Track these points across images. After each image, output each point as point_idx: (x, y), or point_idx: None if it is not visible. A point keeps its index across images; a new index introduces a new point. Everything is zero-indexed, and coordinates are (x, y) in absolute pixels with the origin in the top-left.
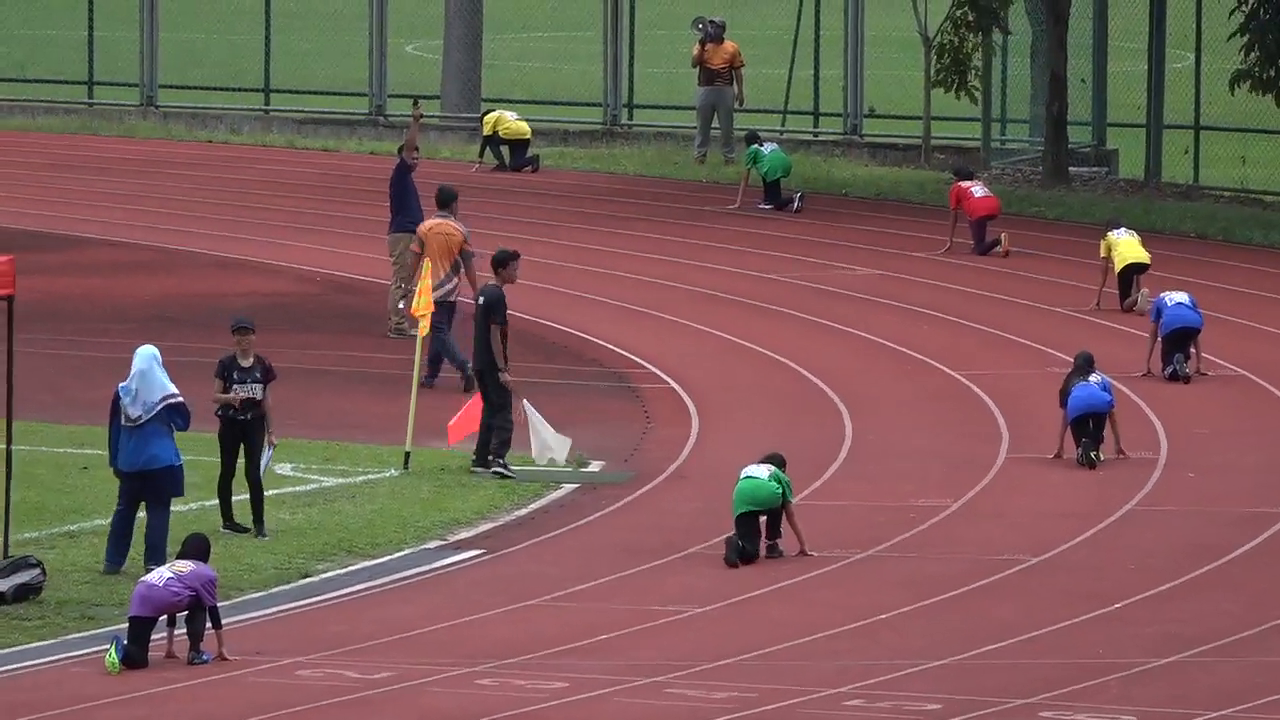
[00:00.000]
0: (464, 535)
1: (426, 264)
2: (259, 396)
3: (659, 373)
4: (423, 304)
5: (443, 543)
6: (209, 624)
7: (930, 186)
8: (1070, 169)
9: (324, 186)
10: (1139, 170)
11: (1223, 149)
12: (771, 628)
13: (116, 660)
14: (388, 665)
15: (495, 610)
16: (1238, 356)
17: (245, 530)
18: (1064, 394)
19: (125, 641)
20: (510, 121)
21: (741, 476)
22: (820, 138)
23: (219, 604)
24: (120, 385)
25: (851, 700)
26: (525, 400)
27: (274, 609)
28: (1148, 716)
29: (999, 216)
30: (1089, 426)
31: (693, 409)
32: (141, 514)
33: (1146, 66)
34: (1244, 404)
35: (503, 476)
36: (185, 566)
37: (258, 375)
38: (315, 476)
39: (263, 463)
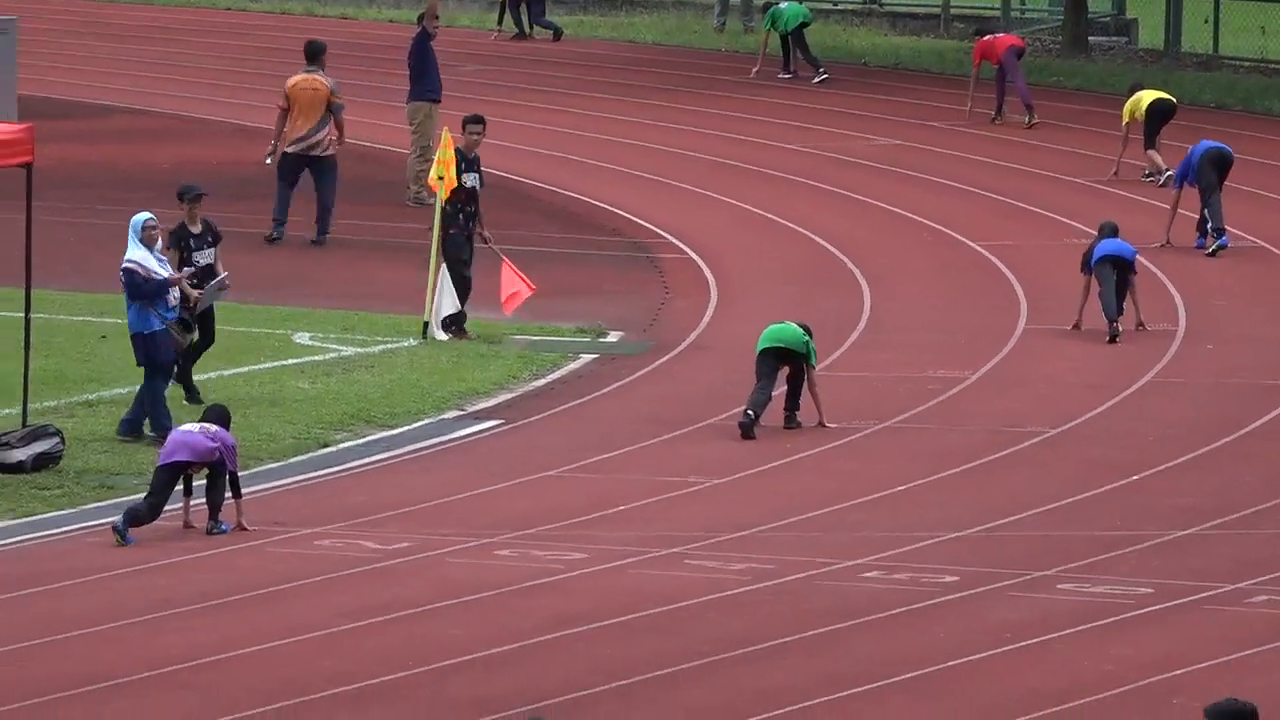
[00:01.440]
0: (482, 405)
1: (447, 133)
2: (214, 261)
3: (677, 243)
4: (445, 176)
5: (461, 413)
6: (228, 493)
7: (950, 56)
8: (1090, 38)
9: (343, 55)
10: (1159, 40)
11: (1243, 19)
12: (789, 499)
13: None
14: (406, 536)
15: (513, 481)
16: (1256, 228)
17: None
18: (1086, 258)
19: (125, 522)
20: None
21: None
22: (840, 7)
23: (239, 472)
24: None
25: (869, 571)
26: (445, 266)
27: (292, 479)
28: (1165, 588)
29: (1026, 53)
30: (1112, 276)
31: (711, 279)
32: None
33: None
34: (1263, 276)
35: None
36: (212, 427)
37: (209, 240)
38: (333, 346)
39: (211, 291)
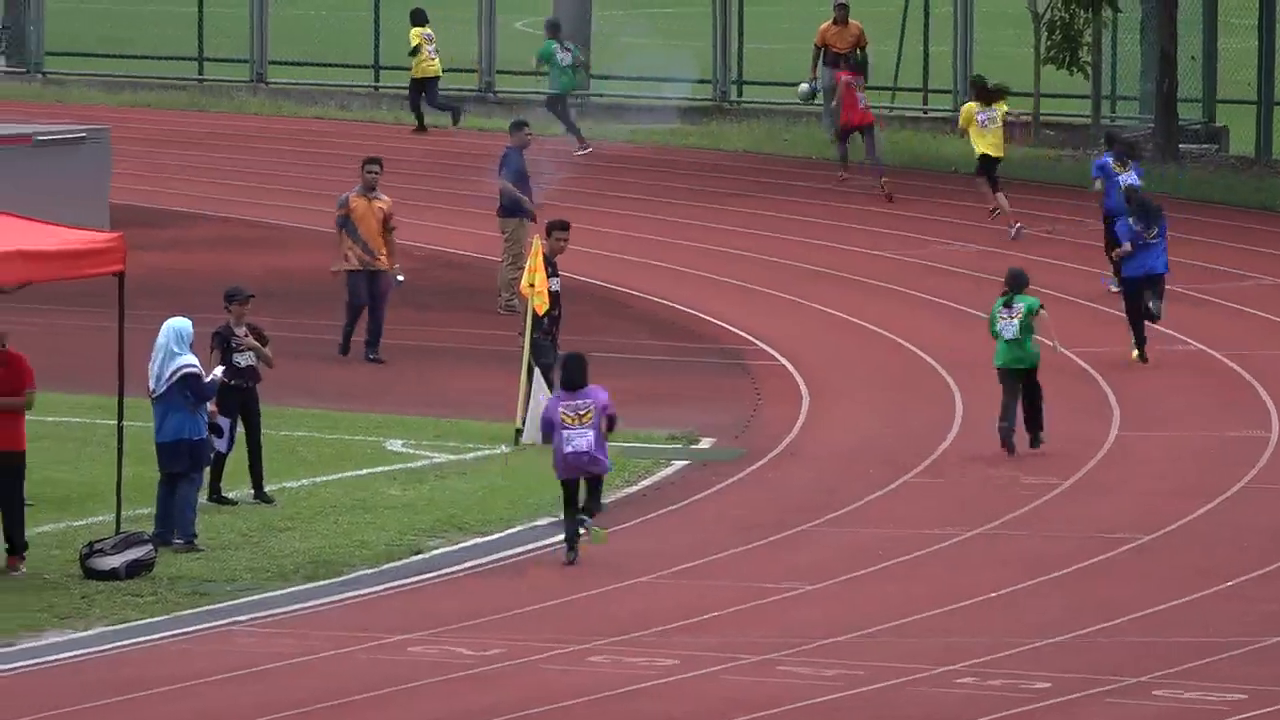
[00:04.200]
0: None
1: (537, 242)
2: (256, 364)
3: (769, 349)
4: (536, 281)
5: (554, 519)
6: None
7: (1041, 163)
8: (1180, 146)
9: (432, 163)
10: (1249, 147)
11: None
12: (882, 604)
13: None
14: (499, 642)
15: (607, 587)
16: None
17: (232, 503)
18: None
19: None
20: (428, 58)
21: (1002, 336)
22: (930, 114)
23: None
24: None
25: (963, 678)
26: (538, 371)
27: (385, 585)
28: (1260, 695)
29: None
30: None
31: (803, 386)
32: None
33: (1257, 42)
34: None
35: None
36: (587, 409)
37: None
38: (426, 452)
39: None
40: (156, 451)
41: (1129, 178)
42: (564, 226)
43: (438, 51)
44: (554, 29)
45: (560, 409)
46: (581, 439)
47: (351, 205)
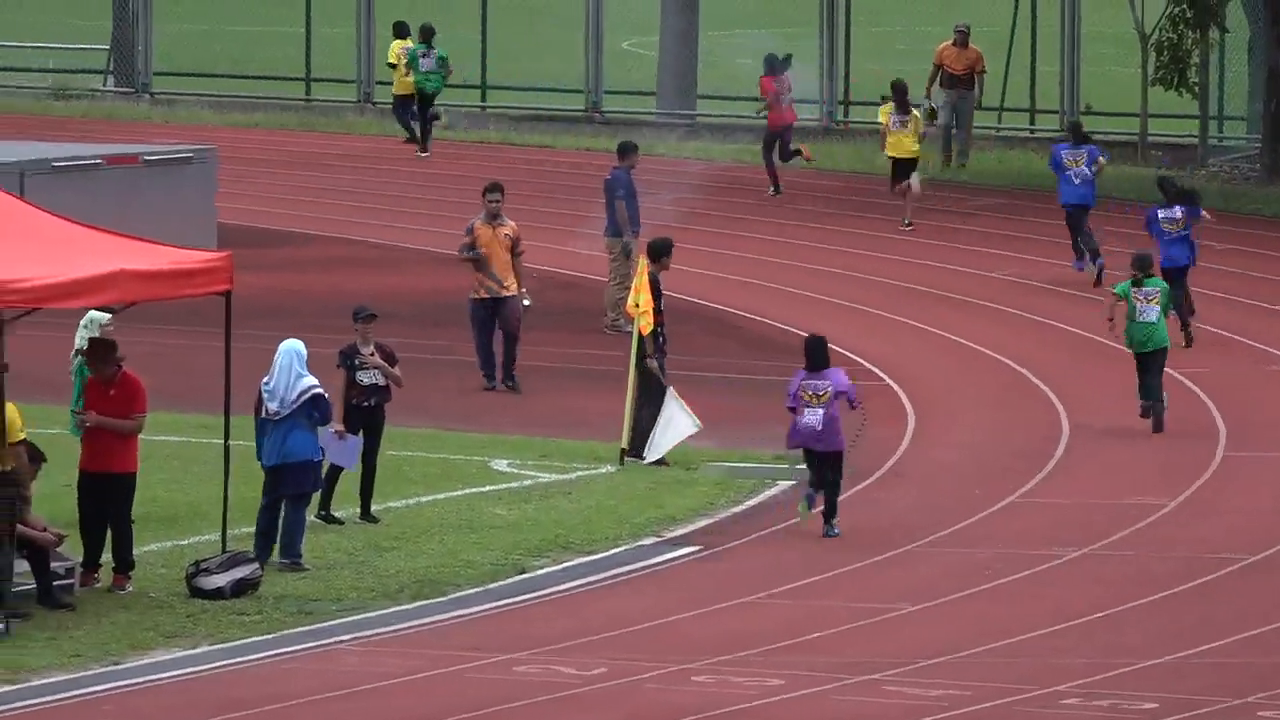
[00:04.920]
0: (680, 531)
1: (643, 262)
2: (382, 383)
3: (874, 369)
4: (641, 301)
5: (659, 539)
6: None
7: (1146, 183)
8: None
9: (541, 183)
10: None
11: None
12: (988, 624)
13: (806, 508)
14: (604, 661)
15: (711, 607)
16: None
17: (339, 523)
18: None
19: (811, 490)
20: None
21: (1139, 317)
22: (1036, 134)
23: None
24: (263, 380)
25: (1068, 699)
26: (670, 388)
27: (490, 605)
28: None
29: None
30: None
31: (909, 405)
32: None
33: None
34: None
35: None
36: (825, 391)
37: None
38: (531, 472)
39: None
40: (274, 472)
41: (1080, 173)
42: (667, 247)
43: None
44: (425, 34)
45: (801, 387)
46: (813, 416)
47: (477, 232)
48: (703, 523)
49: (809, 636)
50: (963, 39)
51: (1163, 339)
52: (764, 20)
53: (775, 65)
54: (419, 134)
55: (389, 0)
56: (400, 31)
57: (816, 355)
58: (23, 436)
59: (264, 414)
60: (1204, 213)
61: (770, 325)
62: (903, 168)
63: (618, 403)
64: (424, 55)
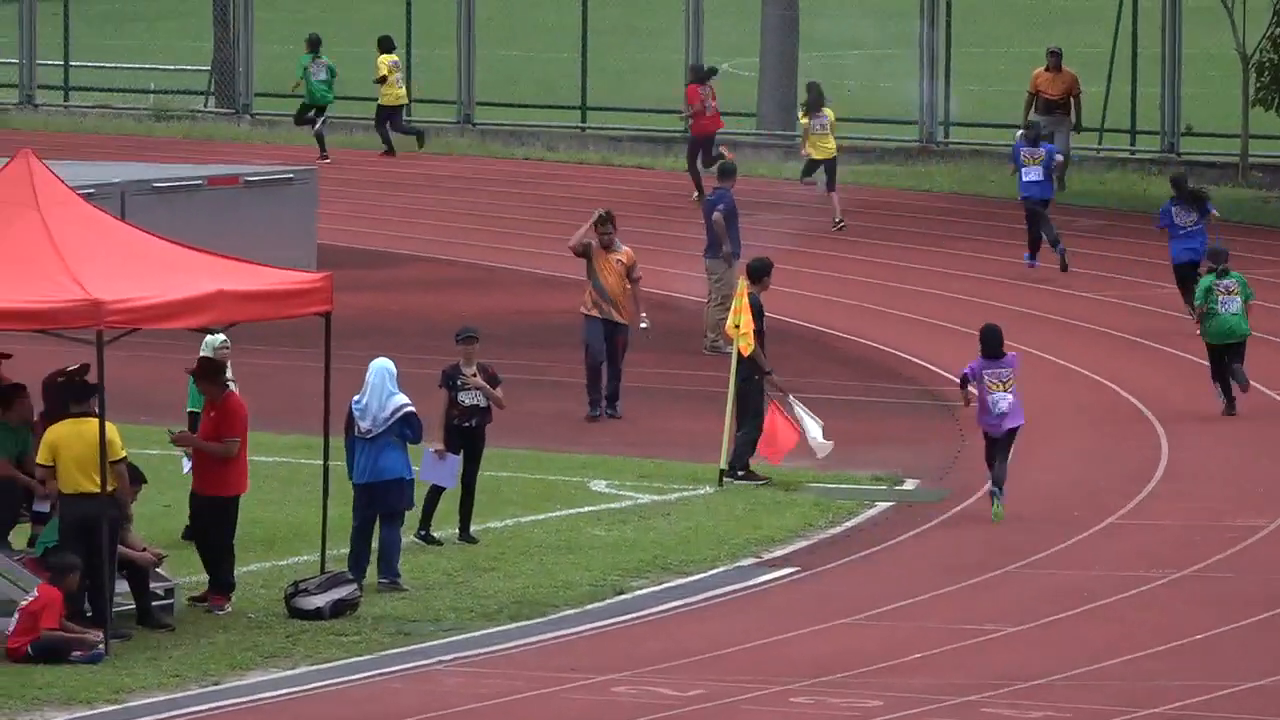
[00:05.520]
0: (778, 553)
1: (743, 283)
2: (483, 404)
3: (972, 389)
4: (741, 322)
5: (757, 560)
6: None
7: (1248, 204)
8: None
9: (640, 204)
10: None
11: None
12: (1086, 647)
13: (1000, 509)
14: (702, 682)
15: (809, 628)
16: None
17: (438, 543)
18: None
19: (995, 488)
20: (394, 85)
21: (1222, 310)
22: (1137, 155)
23: None
24: (353, 399)
25: None
26: (791, 396)
27: (588, 626)
28: None
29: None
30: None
31: None
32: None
33: None
34: None
35: (748, 477)
36: (1009, 376)
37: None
38: (630, 494)
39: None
40: (365, 490)
41: (1033, 171)
42: (767, 268)
43: (403, 79)
44: (312, 44)
45: (985, 375)
46: (1004, 401)
47: (594, 251)
48: (801, 544)
49: (907, 658)
50: (1056, 63)
51: (1245, 329)
52: (864, 41)
53: (701, 74)
54: (321, 143)
55: (489, 26)
56: (385, 46)
57: (993, 342)
58: (123, 455)
59: (356, 432)
60: (1213, 210)
61: (869, 346)
62: (824, 167)
63: (716, 424)
64: (314, 65)
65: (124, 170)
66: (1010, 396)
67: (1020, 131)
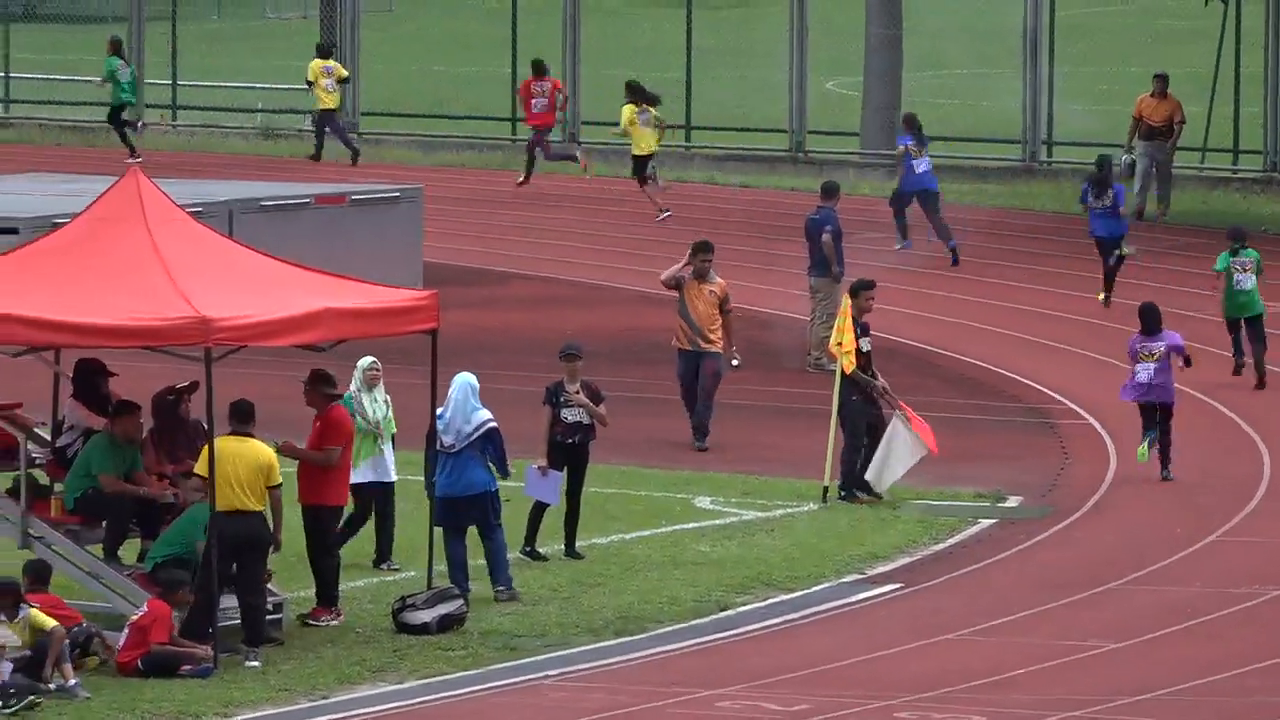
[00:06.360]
0: (882, 569)
1: (846, 301)
2: (586, 421)
3: (1076, 408)
4: (845, 340)
5: (860, 576)
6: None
7: None
8: None
9: (743, 222)
10: None
11: None
12: (1188, 664)
13: (1146, 450)
14: (806, 698)
15: (913, 644)
16: None
17: (544, 559)
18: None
19: (1152, 434)
20: (324, 90)
21: (1237, 285)
22: (1239, 175)
23: None
24: (437, 413)
25: None
26: (898, 414)
27: (693, 641)
28: None
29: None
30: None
31: (1110, 445)
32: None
33: None
34: None
35: (857, 498)
36: (1159, 350)
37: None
38: (734, 510)
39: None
40: (445, 503)
41: (923, 163)
42: (870, 286)
43: (336, 84)
44: (115, 46)
45: (1139, 347)
46: (1145, 372)
47: (686, 282)
48: (905, 560)
49: (1010, 674)
50: (1161, 88)
51: (1260, 305)
52: (968, 61)
53: (539, 68)
54: (129, 144)
55: (593, 41)
56: (322, 52)
57: (1151, 319)
58: (279, 482)
59: (439, 446)
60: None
61: (972, 364)
62: (643, 163)
63: (820, 441)
64: (122, 68)
65: (232, 188)
66: (1152, 367)
67: (1087, 184)
